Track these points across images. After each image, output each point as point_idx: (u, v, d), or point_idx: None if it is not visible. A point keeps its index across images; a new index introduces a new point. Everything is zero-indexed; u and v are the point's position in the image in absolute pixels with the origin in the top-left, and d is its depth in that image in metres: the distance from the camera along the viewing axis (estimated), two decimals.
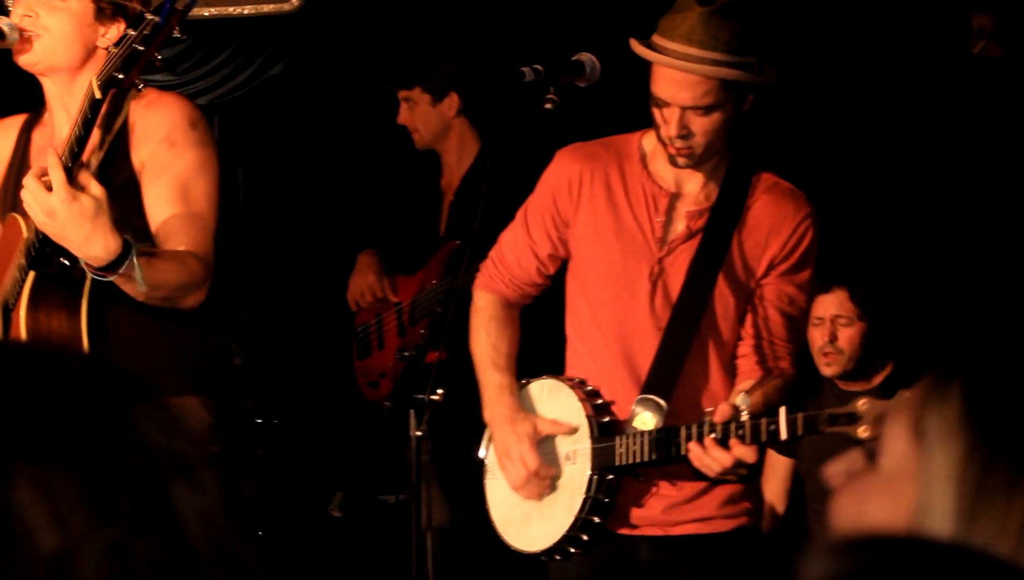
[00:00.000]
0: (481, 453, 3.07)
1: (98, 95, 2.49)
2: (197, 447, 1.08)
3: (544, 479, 2.94)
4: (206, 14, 5.17)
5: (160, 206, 2.78)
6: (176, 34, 2.52)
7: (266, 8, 5.23)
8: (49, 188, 2.48)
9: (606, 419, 2.93)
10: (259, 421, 4.75)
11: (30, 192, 2.51)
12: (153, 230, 2.77)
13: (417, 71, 4.39)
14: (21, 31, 2.78)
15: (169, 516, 1.05)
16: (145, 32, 2.46)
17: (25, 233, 2.66)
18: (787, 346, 2.99)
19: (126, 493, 1.03)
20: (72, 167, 2.51)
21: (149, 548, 1.03)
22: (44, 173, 2.52)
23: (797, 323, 3.04)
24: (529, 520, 3.00)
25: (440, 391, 2.84)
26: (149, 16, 2.47)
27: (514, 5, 4.97)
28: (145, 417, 1.07)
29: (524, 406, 2.99)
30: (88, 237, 2.49)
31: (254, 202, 5.46)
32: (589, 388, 2.98)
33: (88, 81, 2.85)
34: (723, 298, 2.95)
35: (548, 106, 2.83)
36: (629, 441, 2.86)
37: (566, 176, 2.99)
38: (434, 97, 4.34)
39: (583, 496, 2.90)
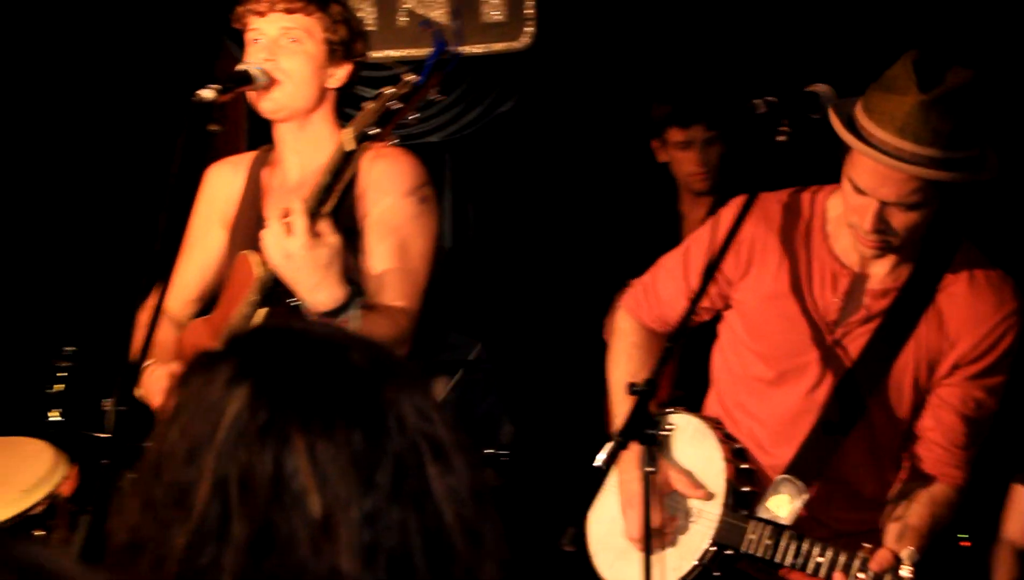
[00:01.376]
0: (600, 459, 2.79)
1: (350, 148, 2.55)
2: (451, 432, 1.19)
3: (661, 535, 2.81)
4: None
5: (379, 259, 2.87)
6: (433, 96, 2.56)
7: (497, 47, 5.34)
8: (290, 232, 2.58)
9: (745, 489, 2.78)
10: (496, 453, 4.81)
11: (272, 233, 2.61)
12: (368, 281, 2.86)
13: (708, 108, 4.40)
14: (268, 74, 2.87)
15: (422, 492, 1.16)
16: (403, 91, 2.50)
17: (257, 271, 2.77)
18: (965, 453, 2.73)
19: (385, 467, 1.14)
20: (314, 215, 2.60)
21: (402, 519, 1.14)
22: (286, 215, 2.61)
23: (982, 428, 2.75)
24: (627, 557, 2.85)
25: (671, 426, 2.82)
26: (407, 76, 2.50)
27: (743, 36, 4.93)
28: (408, 401, 1.19)
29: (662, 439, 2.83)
30: (318, 284, 2.59)
31: (485, 238, 5.54)
32: (737, 446, 2.84)
33: (319, 123, 2.96)
34: (896, 389, 2.72)
35: (781, 139, 2.66)
36: (762, 532, 2.70)
37: (737, 236, 2.77)
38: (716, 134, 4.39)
39: (694, 563, 2.78)
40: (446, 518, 1.16)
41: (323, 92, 2.96)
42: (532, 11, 5.35)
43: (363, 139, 2.54)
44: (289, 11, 2.90)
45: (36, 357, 4.57)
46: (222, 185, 3.11)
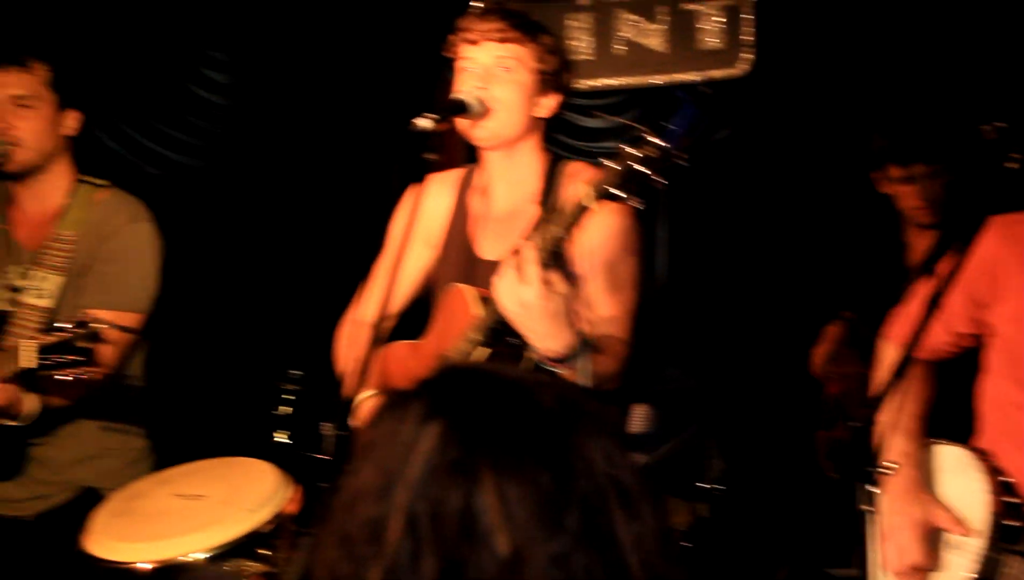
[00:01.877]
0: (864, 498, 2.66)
1: (590, 205, 2.55)
2: (637, 478, 1.19)
3: (920, 573, 2.72)
4: (658, 82, 5.32)
5: (597, 298, 2.88)
6: (681, 161, 2.52)
7: (714, 74, 5.29)
8: (524, 280, 2.59)
9: (1011, 523, 2.66)
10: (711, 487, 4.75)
11: (507, 281, 2.63)
12: (587, 319, 2.87)
13: (927, 143, 4.27)
14: (482, 102, 2.91)
15: (609, 537, 1.15)
16: (649, 153, 2.45)
17: (476, 309, 2.79)
18: None
19: (573, 510, 1.15)
20: (547, 264, 2.61)
21: (588, 563, 1.14)
22: (518, 262, 2.62)
23: None
24: None
25: (892, 464, 2.73)
26: (650, 136, 2.46)
27: (965, 64, 4.76)
28: (596, 445, 1.19)
29: (924, 470, 2.78)
30: (551, 332, 2.60)
31: (700, 269, 5.49)
32: (1003, 480, 2.72)
33: (526, 152, 2.98)
34: None
35: (1011, 165, 2.56)
36: (1020, 568, 2.60)
37: (983, 258, 2.74)
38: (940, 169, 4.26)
39: None
40: (632, 566, 1.14)
41: (532, 121, 2.99)
42: (750, 37, 5.29)
43: (603, 197, 2.52)
44: (502, 40, 2.94)
45: (263, 379, 4.73)
46: (431, 203, 3.16)
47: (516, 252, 2.64)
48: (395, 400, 1.25)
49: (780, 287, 5.22)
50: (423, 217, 3.16)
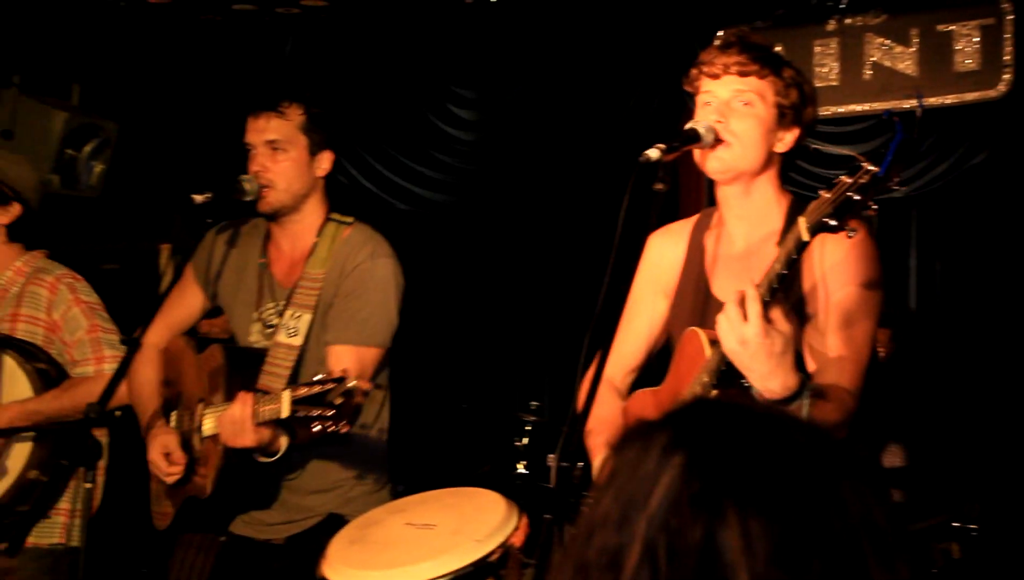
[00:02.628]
0: None
1: (806, 238, 2.49)
2: (894, 528, 1.13)
3: None
4: (907, 107, 5.14)
5: (832, 345, 2.77)
6: (894, 187, 2.45)
7: (969, 97, 5.08)
8: (745, 318, 2.55)
9: None
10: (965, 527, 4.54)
11: (728, 319, 2.57)
12: (817, 360, 2.78)
13: None
14: (716, 133, 2.86)
15: None
16: (861, 181, 2.40)
17: (708, 351, 2.75)
18: None
19: (821, 555, 1.10)
20: (769, 302, 2.56)
21: None
22: (741, 300, 2.58)
23: None
24: None
25: None
26: (867, 166, 2.40)
27: None
28: (850, 487, 1.14)
29: None
30: (771, 372, 2.53)
31: (952, 296, 5.27)
32: None
33: (763, 188, 2.92)
34: None
35: None
36: None
37: None
38: None
39: None
40: None
41: (770, 156, 2.93)
42: (1010, 57, 5.05)
43: (819, 230, 2.46)
44: (743, 74, 2.89)
45: (502, 410, 4.79)
46: (664, 254, 3.13)
47: (740, 290, 2.60)
48: (639, 430, 1.23)
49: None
50: (659, 270, 3.14)
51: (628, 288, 2.80)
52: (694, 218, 3.16)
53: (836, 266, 2.81)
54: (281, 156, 3.54)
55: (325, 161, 3.59)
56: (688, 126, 2.94)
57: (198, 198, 3.39)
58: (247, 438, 3.21)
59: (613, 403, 3.13)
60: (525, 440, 4.71)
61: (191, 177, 3.79)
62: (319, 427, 3.03)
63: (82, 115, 5.42)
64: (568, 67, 5.56)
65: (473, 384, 5.61)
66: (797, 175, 5.26)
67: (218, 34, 5.74)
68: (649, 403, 3.03)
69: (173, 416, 3.60)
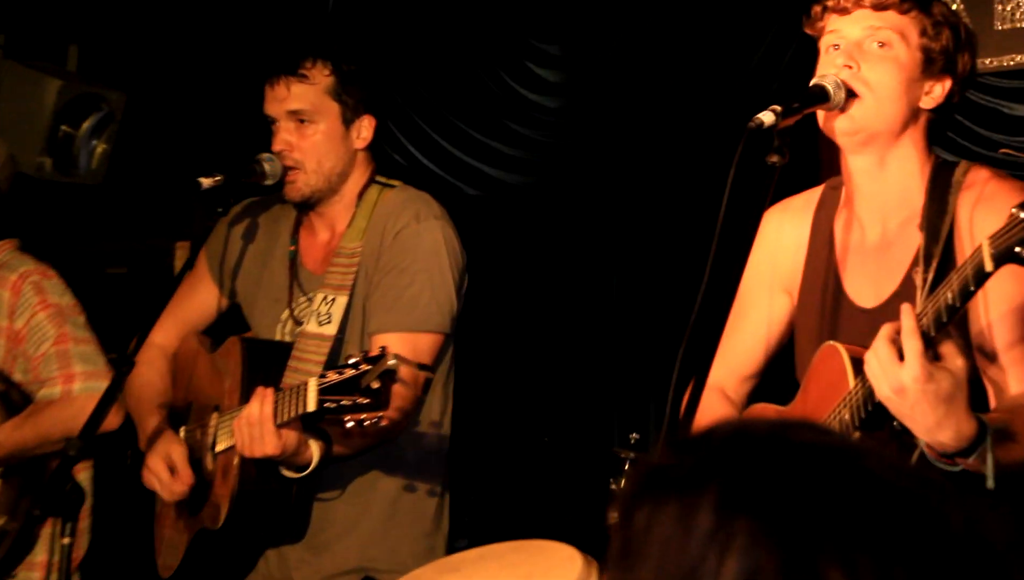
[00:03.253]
0: None
1: (989, 268, 2.39)
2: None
3: None
4: None
5: (1011, 376, 2.70)
6: None
7: None
8: (901, 358, 2.47)
9: None
10: None
11: (879, 359, 2.50)
12: (995, 386, 2.72)
13: None
14: (848, 87, 2.79)
15: None
16: None
17: (850, 380, 2.68)
18: None
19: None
20: (935, 336, 2.48)
21: None
22: (896, 332, 2.50)
23: None
24: None
25: None
26: None
27: None
28: (955, 512, 1.14)
29: None
30: (939, 423, 2.46)
31: None
32: None
33: (904, 157, 2.83)
34: None
35: None
36: None
37: None
38: None
39: None
40: None
41: (912, 113, 2.84)
42: None
43: (1009, 260, 2.35)
44: (879, 7, 2.83)
45: (594, 444, 4.77)
46: (782, 237, 3.07)
47: (892, 324, 2.52)
48: (660, 484, 1.17)
49: None
50: (778, 257, 3.08)
51: (735, 282, 2.75)
52: (817, 191, 3.10)
53: (1018, 293, 2.72)
54: (309, 129, 3.54)
55: (365, 129, 3.58)
56: (813, 82, 2.87)
57: (206, 182, 3.41)
58: (268, 444, 3.16)
59: (725, 414, 3.08)
60: (622, 481, 4.67)
61: (212, 160, 3.79)
62: (352, 422, 2.99)
63: (81, 83, 5.48)
64: (675, 13, 5.52)
65: (558, 412, 5.58)
66: (960, 138, 5.14)
67: None
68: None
69: (182, 431, 3.60)
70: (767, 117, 2.71)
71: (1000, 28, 5.16)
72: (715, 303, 2.68)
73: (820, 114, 2.86)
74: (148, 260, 5.72)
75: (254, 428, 3.17)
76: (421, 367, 3.23)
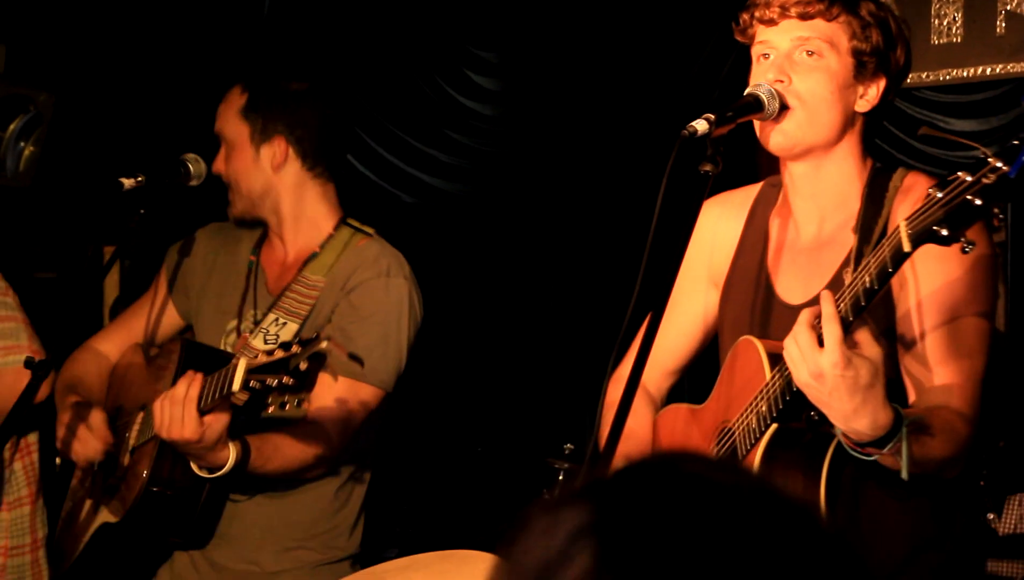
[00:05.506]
0: None
1: (907, 249, 2.42)
2: None
3: None
4: None
5: (930, 365, 2.73)
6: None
7: None
8: (821, 344, 2.49)
9: None
10: None
11: (798, 345, 2.51)
12: (913, 380, 2.74)
13: None
14: (781, 98, 2.80)
15: None
16: (985, 182, 2.31)
17: (767, 373, 2.70)
18: None
19: None
20: (852, 321, 2.50)
21: None
22: (816, 318, 2.52)
23: None
24: None
25: None
26: (994, 161, 2.31)
27: None
28: None
29: None
30: (855, 410, 2.48)
31: None
32: None
33: (841, 160, 2.85)
34: None
35: None
36: None
37: None
38: None
39: None
40: None
41: (850, 119, 2.86)
42: None
43: (926, 240, 2.38)
44: (804, 16, 2.84)
45: (527, 454, 4.76)
46: (719, 230, 3.08)
47: (812, 308, 2.54)
48: (559, 499, 1.16)
49: None
50: (709, 251, 3.09)
51: (668, 289, 2.76)
52: (756, 187, 3.11)
53: (945, 288, 2.74)
54: (228, 150, 3.60)
55: (278, 151, 3.57)
56: (747, 91, 2.89)
57: (128, 183, 3.41)
58: (187, 427, 3.13)
59: (643, 413, 3.10)
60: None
61: (141, 162, 3.78)
62: (273, 405, 2.99)
63: (7, 84, 5.44)
64: (614, 21, 5.53)
65: (491, 421, 5.59)
66: (898, 152, 5.18)
67: None
68: (685, 423, 3.00)
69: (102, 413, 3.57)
70: (700, 125, 2.72)
71: (937, 43, 5.22)
72: (648, 311, 2.69)
73: (756, 124, 2.88)
74: (77, 264, 5.68)
75: (175, 408, 3.15)
76: (351, 356, 3.26)
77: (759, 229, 3.04)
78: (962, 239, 2.33)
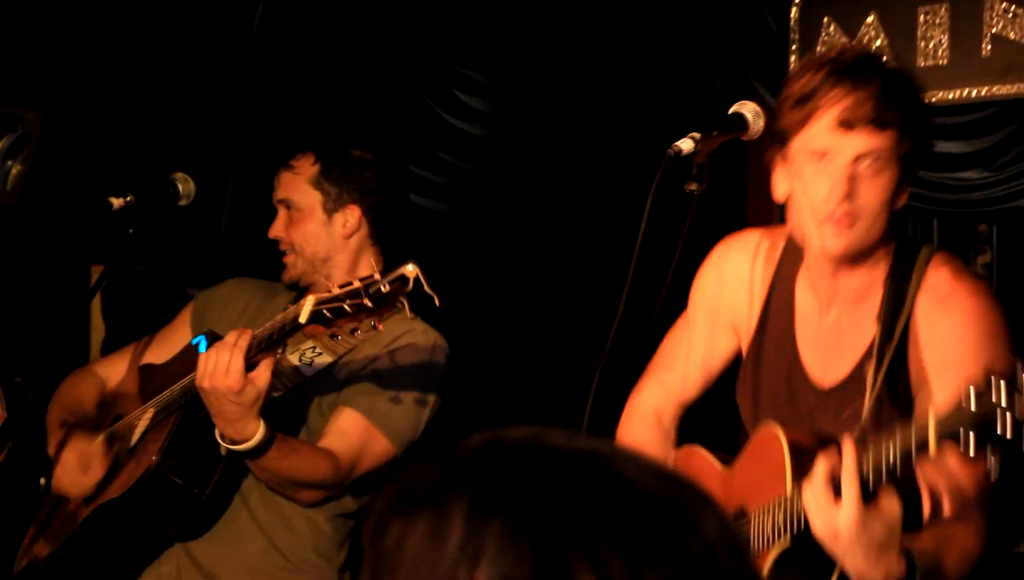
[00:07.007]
0: None
1: (934, 451, 2.40)
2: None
3: None
4: None
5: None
6: None
7: None
8: (837, 501, 2.49)
9: None
10: None
11: (815, 498, 2.52)
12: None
13: None
14: (847, 214, 2.76)
15: None
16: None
17: (788, 482, 2.68)
18: None
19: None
20: (875, 484, 2.49)
21: None
22: (832, 476, 2.53)
23: None
24: None
25: None
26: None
27: None
28: (712, 527, 1.17)
29: None
30: (870, 567, 2.49)
31: None
32: None
33: (871, 250, 2.84)
34: None
35: None
36: None
37: None
38: None
39: None
40: None
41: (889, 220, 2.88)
42: None
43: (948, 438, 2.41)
44: (882, 125, 2.79)
45: None
46: (740, 274, 3.06)
47: (829, 462, 2.53)
48: (417, 500, 1.18)
49: None
50: (731, 296, 3.09)
51: (652, 310, 2.77)
52: (782, 234, 3.05)
53: (936, 332, 2.78)
54: (296, 216, 3.70)
55: (350, 218, 3.68)
56: (732, 110, 2.90)
57: (116, 202, 3.43)
58: (231, 376, 3.15)
59: (657, 441, 3.11)
60: None
61: (129, 182, 3.80)
62: (343, 327, 3.00)
63: None
64: (602, 41, 5.56)
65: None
66: None
67: (171, 1, 5.78)
68: (701, 475, 2.96)
69: (101, 436, 3.58)
70: (686, 145, 2.74)
71: (923, 65, 5.25)
72: (633, 329, 2.71)
73: (810, 225, 2.81)
74: (65, 283, 5.68)
75: (223, 353, 3.16)
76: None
77: (787, 291, 3.03)
78: (987, 456, 2.32)
